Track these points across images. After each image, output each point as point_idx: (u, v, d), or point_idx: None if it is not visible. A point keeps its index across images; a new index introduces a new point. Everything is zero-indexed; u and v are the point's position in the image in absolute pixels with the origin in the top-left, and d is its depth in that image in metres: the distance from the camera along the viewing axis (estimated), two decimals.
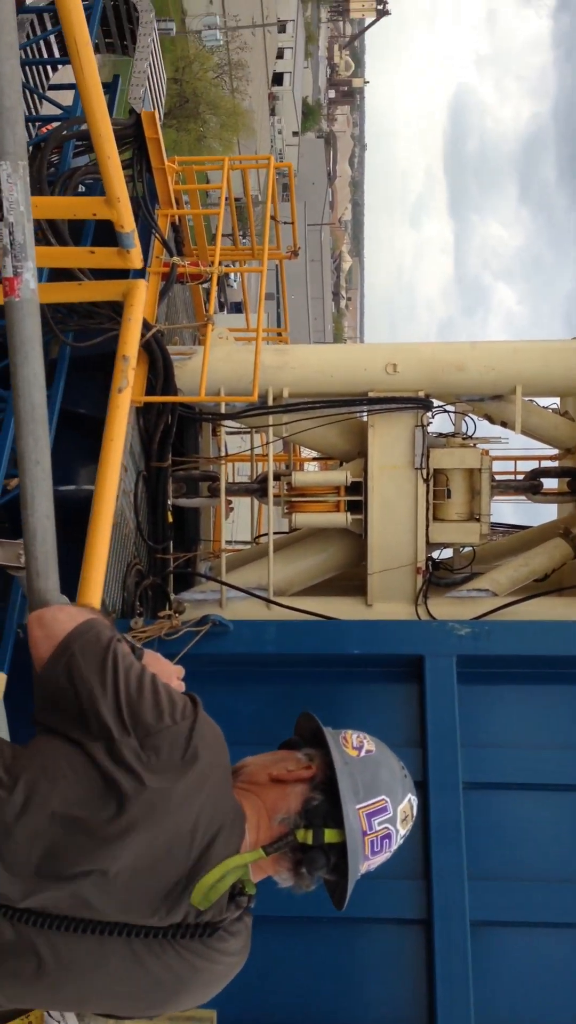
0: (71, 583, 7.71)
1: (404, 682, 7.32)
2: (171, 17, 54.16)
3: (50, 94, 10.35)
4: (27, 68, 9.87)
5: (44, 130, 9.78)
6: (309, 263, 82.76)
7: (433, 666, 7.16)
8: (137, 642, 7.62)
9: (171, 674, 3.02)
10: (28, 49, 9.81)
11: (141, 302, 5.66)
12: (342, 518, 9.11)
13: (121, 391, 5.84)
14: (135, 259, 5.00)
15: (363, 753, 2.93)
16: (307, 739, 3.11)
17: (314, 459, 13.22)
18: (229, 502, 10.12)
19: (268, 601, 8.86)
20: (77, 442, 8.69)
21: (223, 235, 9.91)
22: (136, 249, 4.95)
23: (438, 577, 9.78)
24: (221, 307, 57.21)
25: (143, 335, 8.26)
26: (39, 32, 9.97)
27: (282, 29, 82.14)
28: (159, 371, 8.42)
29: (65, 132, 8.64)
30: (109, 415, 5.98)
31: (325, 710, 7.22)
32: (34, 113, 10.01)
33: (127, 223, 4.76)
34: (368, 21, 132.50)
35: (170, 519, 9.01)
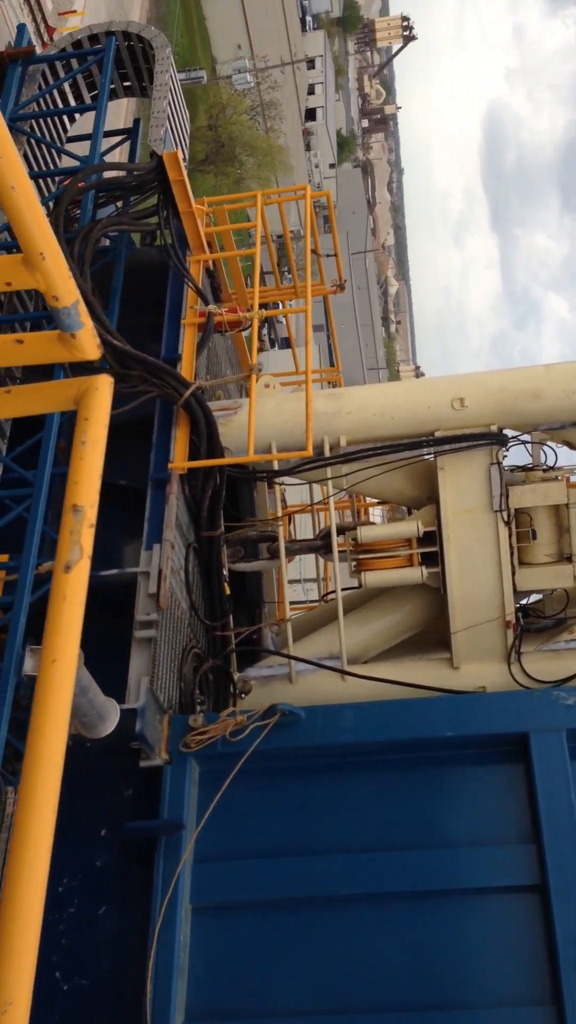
0: (114, 681, 6.98)
1: (507, 763, 6.37)
2: (201, 66, 54.42)
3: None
4: (43, 121, 9.31)
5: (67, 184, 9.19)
6: (356, 291, 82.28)
7: (540, 744, 6.21)
8: (195, 744, 6.86)
9: None
10: (42, 100, 9.25)
11: (102, 411, 3.32)
12: (417, 573, 8.22)
13: (69, 569, 3.14)
14: (85, 346, 3.11)
15: None
16: None
17: (378, 503, 12.34)
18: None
19: (342, 673, 7.99)
20: (118, 517, 7.97)
21: (263, 273, 9.18)
22: (86, 331, 3.06)
23: (528, 623, 8.83)
24: (272, 343, 56.84)
25: (181, 392, 7.54)
26: (51, 81, 9.41)
27: (311, 65, 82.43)
28: (201, 432, 7.67)
29: (81, 184, 8.00)
30: (53, 605, 3.18)
31: (415, 803, 6.32)
32: (52, 167, 9.43)
33: (64, 291, 2.92)
34: (395, 48, 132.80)
35: (227, 590, 8.21)
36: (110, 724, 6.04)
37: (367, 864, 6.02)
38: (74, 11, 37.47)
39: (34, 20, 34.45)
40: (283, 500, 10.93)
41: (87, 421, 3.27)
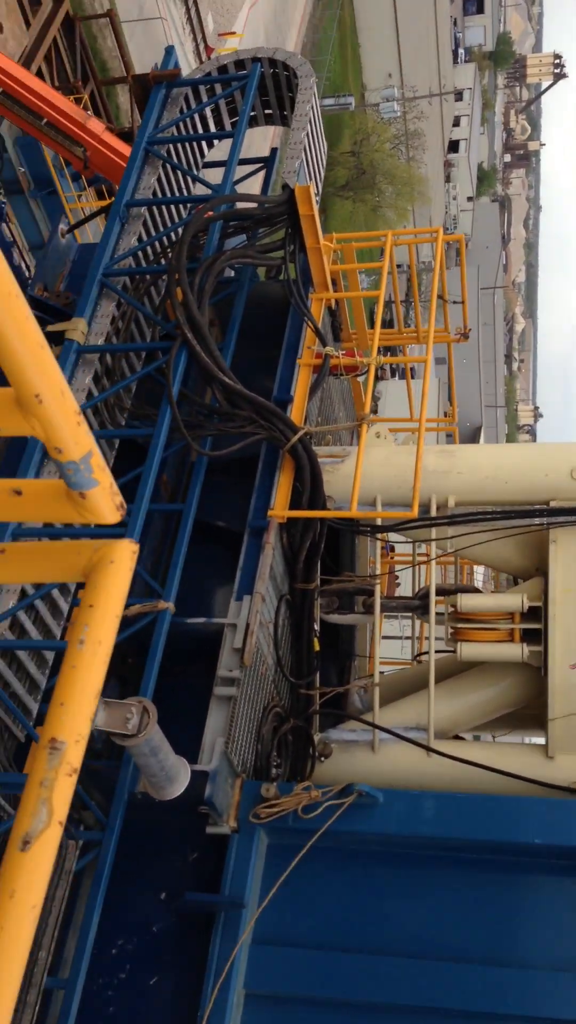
0: (189, 734, 6.68)
1: None
2: (351, 92, 54.64)
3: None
4: (181, 145, 9.18)
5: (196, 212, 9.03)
6: (481, 327, 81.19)
7: None
8: (265, 815, 6.49)
9: None
10: (182, 124, 9.12)
11: (115, 595, 2.44)
12: (517, 651, 7.69)
13: (28, 845, 2.14)
14: (99, 509, 2.33)
15: None
16: None
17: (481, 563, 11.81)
18: None
19: (427, 749, 7.52)
20: (213, 560, 7.71)
21: (387, 302, 8.85)
22: (102, 490, 2.29)
23: None
24: (392, 373, 56.41)
25: (288, 437, 7.23)
26: (194, 104, 9.27)
27: (459, 97, 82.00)
28: (306, 479, 7.34)
29: (210, 214, 7.79)
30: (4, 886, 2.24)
31: (494, 912, 5.81)
32: (185, 193, 9.28)
33: (69, 442, 2.18)
34: (544, 85, 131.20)
35: (317, 646, 7.84)
36: (179, 787, 5.73)
37: (435, 974, 5.55)
38: (234, 33, 38.06)
39: (195, 40, 35.10)
40: (385, 551, 10.51)
41: (92, 609, 2.32)
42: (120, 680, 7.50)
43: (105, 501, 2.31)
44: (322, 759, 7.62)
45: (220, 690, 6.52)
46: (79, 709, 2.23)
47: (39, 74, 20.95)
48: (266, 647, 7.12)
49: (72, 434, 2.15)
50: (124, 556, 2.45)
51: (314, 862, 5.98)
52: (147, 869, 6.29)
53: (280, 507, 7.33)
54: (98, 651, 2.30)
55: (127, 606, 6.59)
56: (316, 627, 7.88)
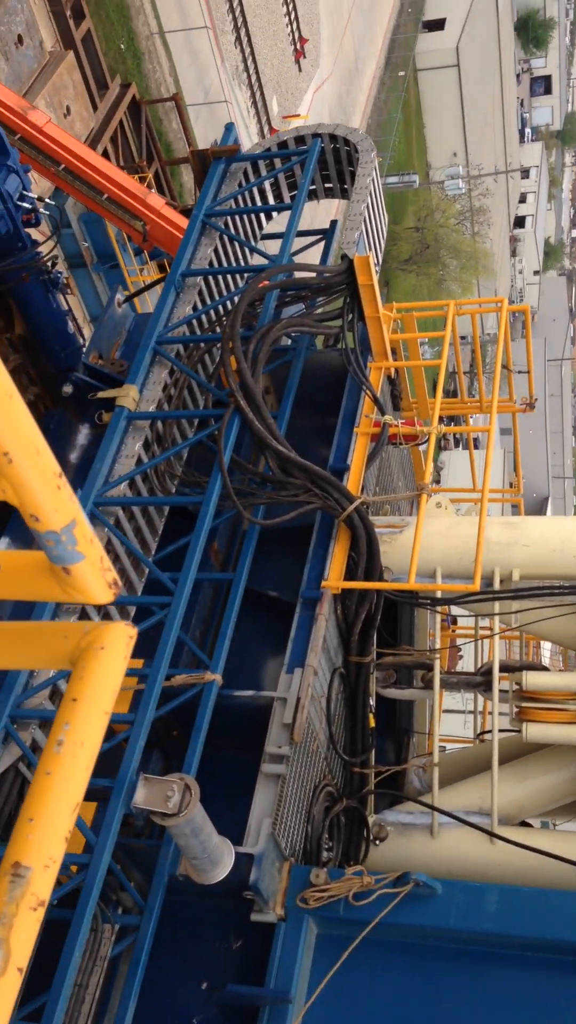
0: (235, 812, 6.39)
1: None
2: (415, 170, 55.57)
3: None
4: (239, 218, 9.24)
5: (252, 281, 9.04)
6: (548, 398, 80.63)
7: None
8: (314, 901, 6.15)
9: None
10: (240, 197, 9.18)
11: (106, 687, 2.15)
12: None
13: None
14: (87, 587, 2.04)
15: None
16: None
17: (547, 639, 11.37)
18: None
19: (490, 835, 7.10)
20: (263, 631, 7.51)
21: (449, 374, 8.68)
22: (89, 565, 1.99)
23: None
24: (455, 443, 56.04)
25: (344, 507, 7.04)
26: (252, 179, 9.35)
27: (525, 175, 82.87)
28: (362, 550, 7.12)
29: (266, 282, 7.76)
30: None
31: (563, 1018, 5.35)
32: (243, 264, 9.31)
33: (47, 509, 1.89)
34: None
35: (372, 722, 7.53)
36: (222, 871, 5.46)
37: None
38: (298, 115, 39.12)
39: (259, 122, 36.16)
40: (445, 624, 10.18)
41: (75, 704, 1.98)
42: (163, 754, 7.27)
43: (94, 577, 1.95)
44: (377, 843, 7.26)
45: (268, 767, 6.24)
46: (52, 827, 1.83)
47: (104, 154, 21.67)
48: (318, 722, 6.83)
49: (51, 499, 1.82)
50: (118, 642, 2.08)
51: (366, 955, 5.62)
52: (187, 957, 5.97)
53: (335, 577, 7.11)
54: (79, 755, 1.94)
55: (172, 676, 6.38)
56: (371, 702, 7.58)
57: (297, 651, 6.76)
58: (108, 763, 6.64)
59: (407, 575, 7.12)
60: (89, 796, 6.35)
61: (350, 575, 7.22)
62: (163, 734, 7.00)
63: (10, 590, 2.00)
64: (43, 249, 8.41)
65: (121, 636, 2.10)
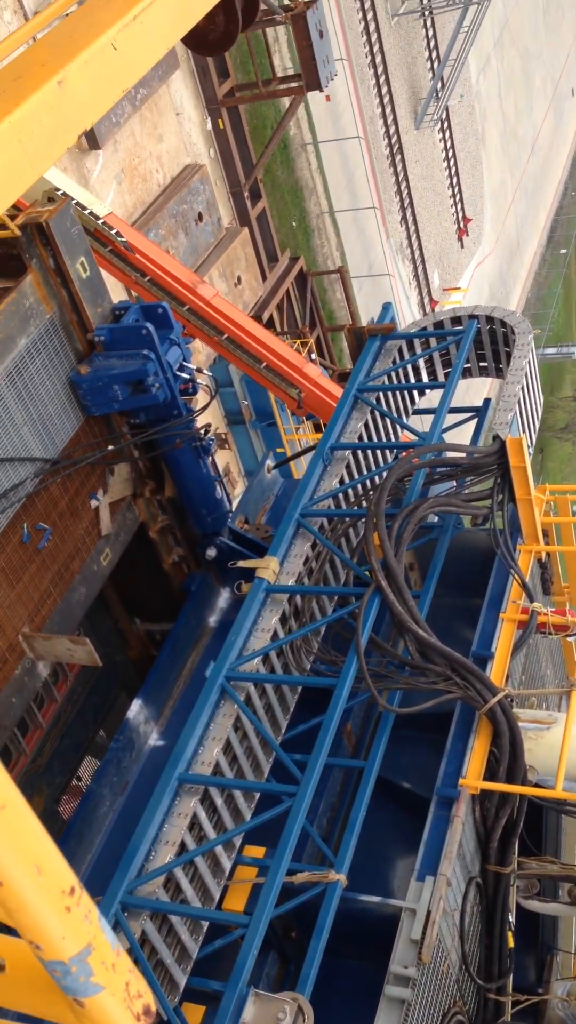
0: None
1: None
2: (574, 342, 55.95)
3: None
4: (391, 393, 9.27)
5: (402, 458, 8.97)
6: None
7: None
8: None
9: None
10: (393, 374, 9.24)
11: None
12: None
13: None
14: (107, 1019, 1.69)
15: None
16: None
17: None
18: None
19: None
20: (393, 825, 7.02)
21: None
22: (111, 995, 1.63)
23: None
24: None
25: (486, 699, 6.62)
26: (407, 356, 9.41)
27: None
28: (504, 747, 6.62)
29: (416, 460, 7.65)
30: None
31: None
32: (392, 439, 9.28)
33: (51, 936, 1.52)
34: None
35: (511, 941, 6.83)
36: None
37: None
38: (458, 288, 40.24)
39: (419, 294, 37.36)
40: None
41: None
42: (280, 956, 6.76)
43: (116, 1010, 1.54)
44: None
45: (392, 990, 5.66)
46: None
47: (270, 320, 22.69)
48: (449, 940, 6.22)
49: (58, 925, 1.43)
50: None
51: None
52: None
53: (473, 776, 6.61)
54: None
55: (293, 871, 5.97)
56: (511, 918, 6.89)
57: (429, 856, 6.24)
58: (222, 960, 6.22)
59: (554, 777, 6.57)
60: (197, 998, 5.93)
61: (491, 774, 6.71)
62: (281, 934, 6.54)
63: (15, 999, 1.58)
64: (197, 418, 8.62)
65: None
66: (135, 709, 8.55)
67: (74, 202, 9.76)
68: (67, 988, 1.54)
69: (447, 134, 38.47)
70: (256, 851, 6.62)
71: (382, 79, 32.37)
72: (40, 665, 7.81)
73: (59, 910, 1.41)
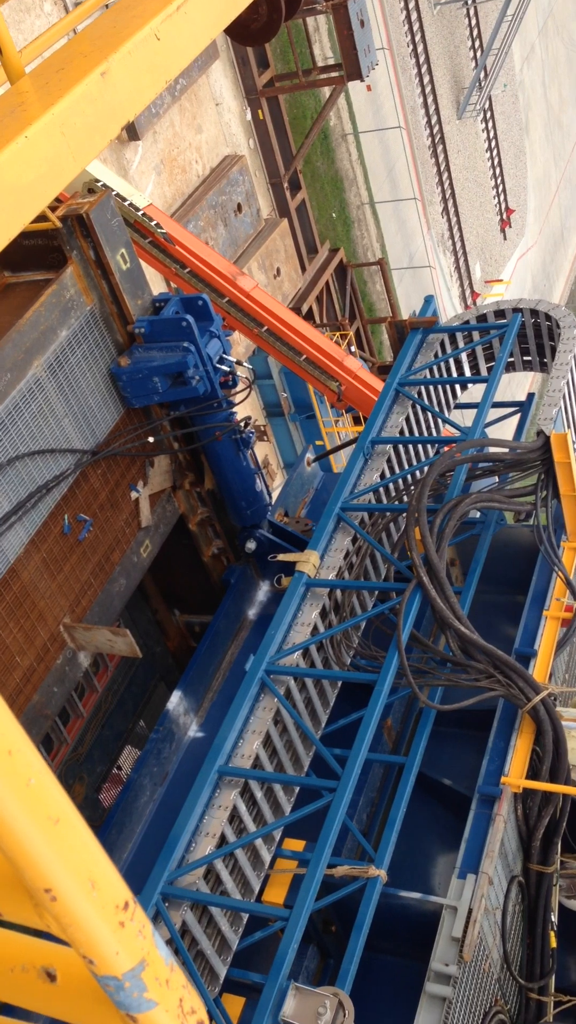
0: None
1: None
2: None
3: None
4: (433, 387, 9.18)
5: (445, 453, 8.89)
6: None
7: None
8: None
9: None
10: (435, 368, 9.15)
11: None
12: None
13: None
14: None
15: None
16: None
17: None
18: None
19: None
20: (434, 821, 6.98)
21: None
22: (165, 1012, 1.62)
23: None
24: None
25: (529, 697, 6.55)
26: (449, 350, 9.32)
27: None
28: (547, 746, 6.55)
29: (458, 455, 7.58)
30: None
31: None
32: (434, 434, 9.19)
33: (105, 951, 1.54)
34: None
35: (554, 941, 6.76)
36: None
37: None
38: (500, 280, 39.85)
39: (461, 286, 37.04)
40: None
41: None
42: (320, 950, 6.75)
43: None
44: None
45: (432, 987, 5.64)
46: None
47: (309, 312, 22.60)
48: (491, 938, 6.17)
49: (111, 940, 1.41)
50: None
51: None
52: None
53: (516, 774, 6.55)
54: None
55: (333, 865, 5.94)
56: (553, 918, 6.83)
57: (471, 854, 6.20)
58: (261, 953, 6.23)
59: None
60: (236, 989, 5.93)
61: (533, 773, 6.64)
62: (321, 928, 6.52)
63: (65, 1011, 1.55)
64: (237, 410, 8.60)
65: None
66: (175, 700, 8.58)
67: (114, 193, 9.78)
68: (120, 1003, 1.54)
69: (490, 124, 38.06)
70: (296, 844, 6.60)
71: (424, 68, 32.10)
72: (81, 655, 7.85)
73: (113, 925, 1.41)
